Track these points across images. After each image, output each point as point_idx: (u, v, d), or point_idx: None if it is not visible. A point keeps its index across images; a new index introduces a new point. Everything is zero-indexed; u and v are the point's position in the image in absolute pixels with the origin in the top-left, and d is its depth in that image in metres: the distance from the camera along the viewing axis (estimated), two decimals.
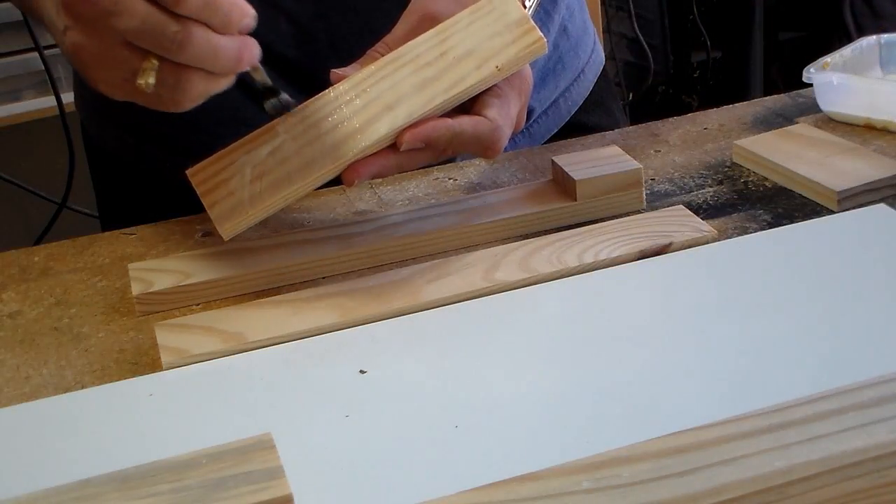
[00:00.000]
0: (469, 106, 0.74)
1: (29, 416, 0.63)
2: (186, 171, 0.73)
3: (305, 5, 0.87)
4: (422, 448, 0.57)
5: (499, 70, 0.72)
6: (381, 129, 0.71)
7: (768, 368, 0.60)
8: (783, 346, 0.62)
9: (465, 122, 0.72)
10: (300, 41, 0.87)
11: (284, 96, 0.73)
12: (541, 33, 0.73)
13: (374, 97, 0.72)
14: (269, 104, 0.73)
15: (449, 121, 0.72)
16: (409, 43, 0.73)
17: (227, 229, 0.70)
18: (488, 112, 0.73)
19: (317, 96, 0.73)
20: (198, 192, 0.71)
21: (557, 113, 1.01)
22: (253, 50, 0.68)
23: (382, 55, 0.74)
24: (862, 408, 0.52)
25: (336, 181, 0.74)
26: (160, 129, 0.93)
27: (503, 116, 0.74)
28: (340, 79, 0.73)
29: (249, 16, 0.67)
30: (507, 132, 0.74)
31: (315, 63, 0.88)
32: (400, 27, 0.76)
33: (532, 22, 0.73)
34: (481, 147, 0.74)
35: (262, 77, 0.72)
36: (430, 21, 0.74)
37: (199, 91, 0.67)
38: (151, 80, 0.65)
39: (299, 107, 0.73)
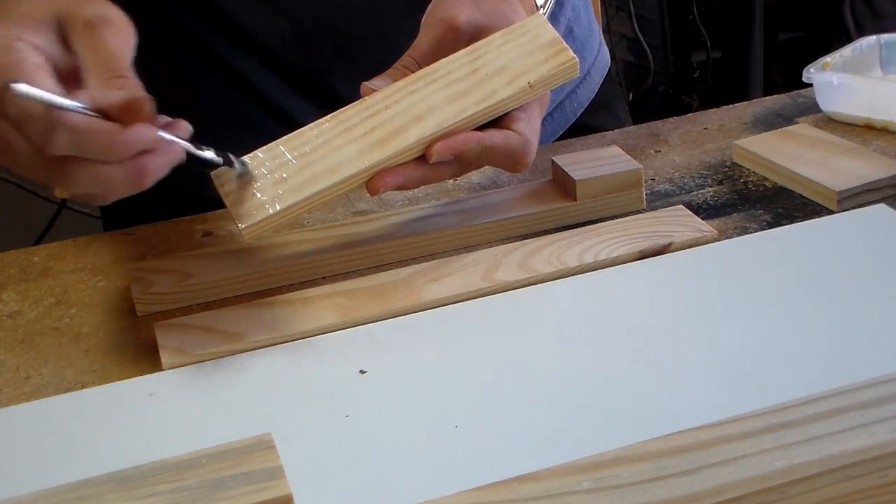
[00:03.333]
0: (496, 121, 0.73)
1: (29, 416, 0.63)
2: (210, 172, 0.71)
3: (308, 8, 0.86)
4: (422, 448, 0.57)
5: (531, 87, 0.72)
6: (411, 137, 0.70)
7: (768, 368, 0.60)
8: (783, 346, 0.62)
9: (495, 136, 0.72)
10: (302, 44, 0.87)
11: (225, 156, 0.69)
12: (573, 54, 0.73)
13: (405, 108, 0.71)
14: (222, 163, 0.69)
15: (479, 134, 0.71)
16: (441, 61, 0.73)
17: (248, 231, 0.70)
18: (517, 126, 0.72)
19: (347, 106, 0.72)
20: (220, 193, 0.71)
21: (563, 115, 1.00)
22: (155, 168, 0.63)
23: (409, 69, 0.73)
24: (862, 408, 0.52)
25: None
26: None
27: (531, 130, 0.73)
28: (370, 92, 0.72)
29: (144, 139, 0.62)
30: (535, 145, 0.73)
31: (318, 66, 0.88)
32: (423, 39, 0.74)
33: (565, 43, 0.73)
34: (511, 161, 0.73)
35: (204, 153, 0.68)
36: (452, 32, 0.73)
37: (119, 193, 0.64)
38: (65, 195, 0.65)
39: (331, 115, 0.72)
